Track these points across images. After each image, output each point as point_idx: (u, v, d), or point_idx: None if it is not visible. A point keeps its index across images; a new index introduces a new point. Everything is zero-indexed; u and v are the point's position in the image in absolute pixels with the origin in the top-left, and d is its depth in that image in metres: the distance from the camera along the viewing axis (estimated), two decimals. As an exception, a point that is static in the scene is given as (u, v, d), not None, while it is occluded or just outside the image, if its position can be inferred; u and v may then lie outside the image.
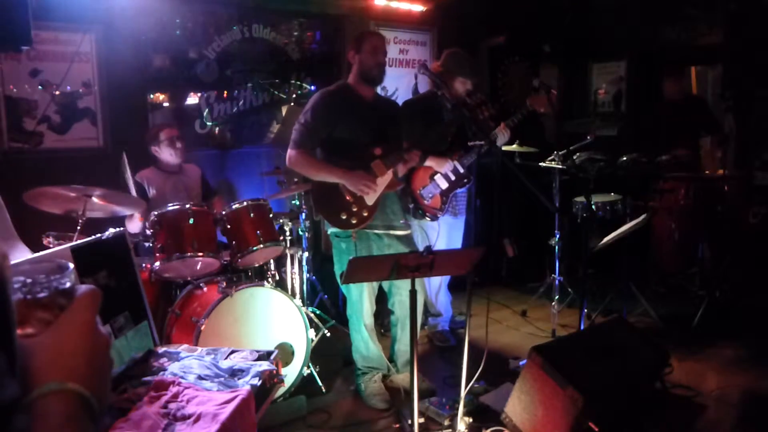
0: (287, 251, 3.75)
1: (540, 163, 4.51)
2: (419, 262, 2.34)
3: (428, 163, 3.84)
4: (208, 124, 4.65)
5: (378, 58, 3.25)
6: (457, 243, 4.09)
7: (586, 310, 3.53)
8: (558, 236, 4.47)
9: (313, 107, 3.22)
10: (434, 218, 3.90)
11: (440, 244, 3.93)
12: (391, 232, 3.29)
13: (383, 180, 3.20)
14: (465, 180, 3.85)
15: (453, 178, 3.82)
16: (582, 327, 3.45)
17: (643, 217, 3.99)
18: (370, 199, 3.17)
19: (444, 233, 3.96)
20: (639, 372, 3.03)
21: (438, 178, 3.86)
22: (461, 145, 3.83)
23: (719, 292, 4.41)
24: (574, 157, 4.43)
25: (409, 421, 2.58)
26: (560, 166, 4.42)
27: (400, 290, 3.28)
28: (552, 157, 4.47)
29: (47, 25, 3.74)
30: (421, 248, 3.89)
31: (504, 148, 4.05)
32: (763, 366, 3.60)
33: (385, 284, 3.37)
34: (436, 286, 4.07)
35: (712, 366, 3.63)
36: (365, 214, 3.17)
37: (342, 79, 3.49)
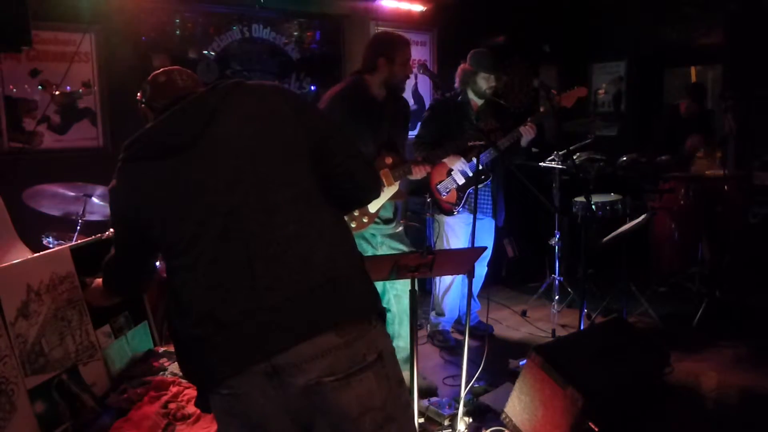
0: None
1: (540, 163, 4.50)
2: (419, 263, 2.34)
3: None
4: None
5: (408, 71, 3.18)
6: (487, 246, 4.00)
7: (586, 310, 3.53)
8: (558, 236, 4.47)
9: (328, 113, 2.94)
10: (449, 213, 3.90)
11: (458, 244, 3.92)
12: (384, 229, 3.28)
13: (389, 190, 3.20)
14: (483, 176, 3.85)
15: (470, 174, 3.81)
16: (582, 327, 3.44)
17: (643, 216, 3.99)
18: (373, 207, 3.16)
19: (467, 233, 3.89)
20: (639, 372, 3.03)
21: (455, 173, 3.85)
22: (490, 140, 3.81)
23: (719, 292, 4.41)
24: (574, 157, 4.43)
25: (409, 421, 2.57)
26: (560, 166, 4.42)
27: (394, 285, 3.26)
28: (552, 157, 4.47)
29: (47, 25, 3.74)
30: (445, 245, 3.92)
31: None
32: (763, 366, 3.60)
33: (378, 283, 3.35)
34: (446, 284, 4.04)
35: (712, 366, 3.63)
36: (365, 220, 3.17)
37: (354, 76, 3.26)
